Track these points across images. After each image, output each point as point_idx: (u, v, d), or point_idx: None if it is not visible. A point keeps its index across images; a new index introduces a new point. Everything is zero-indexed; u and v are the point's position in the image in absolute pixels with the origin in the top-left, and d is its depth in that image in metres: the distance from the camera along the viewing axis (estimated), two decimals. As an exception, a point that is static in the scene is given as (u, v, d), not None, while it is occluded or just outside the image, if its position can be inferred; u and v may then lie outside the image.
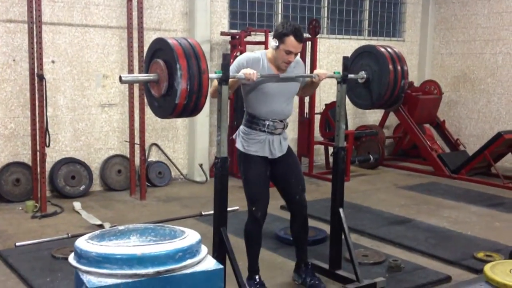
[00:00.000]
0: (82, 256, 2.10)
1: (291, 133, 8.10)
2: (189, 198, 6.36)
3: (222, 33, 7.15)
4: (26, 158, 6.05)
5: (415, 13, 9.50)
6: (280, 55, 3.48)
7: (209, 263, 2.24)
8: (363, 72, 3.82)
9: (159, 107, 3.00)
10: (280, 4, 7.96)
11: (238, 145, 3.68)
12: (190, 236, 2.28)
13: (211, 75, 3.12)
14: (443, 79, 9.27)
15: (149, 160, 6.92)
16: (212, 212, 5.44)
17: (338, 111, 3.86)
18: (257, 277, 3.75)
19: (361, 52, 3.91)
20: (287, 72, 3.61)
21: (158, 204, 6.10)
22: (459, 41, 9.20)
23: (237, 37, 7.10)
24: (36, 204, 5.66)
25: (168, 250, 2.11)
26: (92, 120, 6.54)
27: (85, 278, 2.04)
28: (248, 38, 7.20)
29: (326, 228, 4.57)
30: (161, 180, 6.92)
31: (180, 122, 7.17)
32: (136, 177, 6.40)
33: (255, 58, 3.55)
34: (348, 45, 8.70)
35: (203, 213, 5.51)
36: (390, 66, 3.69)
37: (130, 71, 6.21)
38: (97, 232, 2.34)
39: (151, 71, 2.96)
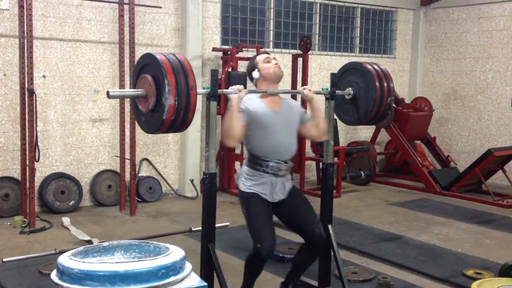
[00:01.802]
0: (64, 273, 2.08)
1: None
2: (179, 214, 6.33)
3: (214, 49, 7.18)
4: (16, 173, 6.02)
5: (405, 30, 9.59)
6: (266, 70, 3.50)
7: (193, 280, 2.22)
8: (350, 88, 3.83)
9: (146, 122, 2.98)
10: (272, 21, 8.02)
11: (240, 185, 3.56)
12: (174, 253, 2.26)
13: (200, 91, 3.11)
14: (433, 96, 9.34)
15: (139, 175, 6.90)
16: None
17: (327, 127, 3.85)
18: None
19: (348, 69, 3.94)
20: (284, 111, 3.54)
21: (147, 220, 6.07)
22: (450, 58, 9.28)
23: (229, 53, 7.13)
24: (25, 220, 5.62)
25: (151, 267, 2.09)
26: (83, 135, 6.52)
27: (66, 296, 2.02)
28: (240, 54, 7.24)
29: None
30: (152, 195, 6.89)
31: (172, 137, 7.16)
32: (126, 192, 6.37)
33: (248, 98, 3.48)
34: (340, 61, 8.72)
35: (193, 229, 5.48)
36: (377, 83, 3.71)
37: (122, 86, 6.22)
38: (81, 248, 2.32)
39: (139, 86, 2.95)
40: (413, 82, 9.69)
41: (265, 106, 3.49)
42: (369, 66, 3.81)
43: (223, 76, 6.95)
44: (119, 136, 6.31)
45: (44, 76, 6.20)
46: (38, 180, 6.17)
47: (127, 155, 6.28)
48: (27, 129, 5.59)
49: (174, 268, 2.16)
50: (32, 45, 5.51)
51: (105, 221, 5.99)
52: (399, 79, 9.51)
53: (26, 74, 5.53)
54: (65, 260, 2.15)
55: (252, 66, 3.57)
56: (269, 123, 3.45)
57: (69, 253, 2.24)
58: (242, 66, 7.37)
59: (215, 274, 3.36)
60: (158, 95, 2.80)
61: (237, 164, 7.26)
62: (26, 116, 5.59)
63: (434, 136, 8.93)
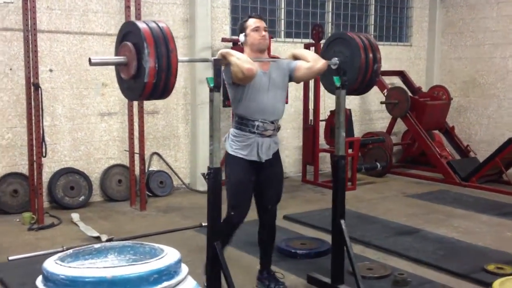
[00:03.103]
0: (48, 279, 1.94)
1: (296, 140, 7.95)
2: (190, 209, 6.20)
3: (224, 40, 7.01)
4: (24, 169, 5.93)
5: (422, 17, 9.32)
6: (252, 38, 3.53)
7: (188, 285, 2.07)
8: (335, 58, 3.71)
9: (129, 89, 2.97)
10: (283, 10, 7.82)
11: (227, 146, 3.64)
12: (168, 256, 2.11)
13: (182, 58, 3.07)
14: (451, 84, 9.05)
15: (150, 169, 6.78)
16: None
17: (337, 117, 3.69)
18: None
19: (333, 40, 3.86)
20: (271, 72, 3.57)
21: (158, 215, 5.95)
22: (468, 45, 9.00)
23: (239, 43, 6.93)
24: (33, 216, 5.53)
25: (142, 272, 1.94)
26: (92, 129, 6.41)
27: (51, 303, 1.88)
28: (251, 44, 7.05)
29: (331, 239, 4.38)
30: (163, 189, 6.76)
31: (182, 130, 7.03)
32: (136, 187, 6.26)
33: None
34: (354, 50, 8.52)
35: (203, 224, 5.33)
36: (361, 51, 3.63)
37: (129, 79, 6.06)
38: (70, 251, 2.18)
39: (120, 54, 2.93)
40: (430, 70, 9.42)
41: (256, 67, 3.46)
42: (353, 35, 3.73)
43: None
44: (128, 130, 6.19)
45: (51, 70, 6.09)
46: (47, 176, 6.08)
47: (137, 149, 6.15)
48: (33, 124, 5.49)
49: (167, 273, 2.01)
50: (37, 38, 5.38)
51: (115, 216, 5.88)
52: (416, 67, 9.26)
53: (31, 68, 5.42)
54: (50, 264, 2.01)
55: (241, 28, 3.61)
56: (257, 84, 3.48)
57: (57, 256, 2.10)
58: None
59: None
60: (138, 60, 2.78)
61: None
62: (33, 111, 5.49)
63: (452, 125, 8.67)
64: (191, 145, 7.07)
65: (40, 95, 5.41)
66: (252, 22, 3.56)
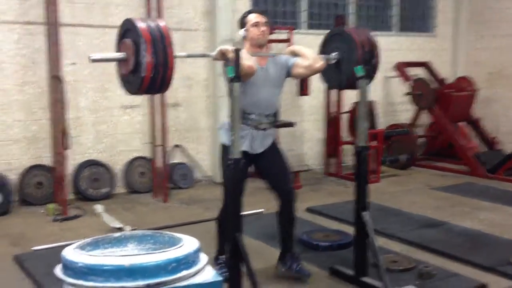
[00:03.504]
0: (67, 267, 1.93)
1: (318, 133, 7.89)
2: (212, 201, 6.18)
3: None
4: (49, 161, 5.99)
5: (446, 7, 9.14)
6: (252, 33, 3.62)
7: (207, 275, 2.05)
8: (334, 53, 3.77)
9: (128, 83, 3.06)
10: (305, 1, 7.74)
11: (222, 137, 3.72)
12: (187, 245, 2.09)
13: (179, 54, 3.13)
14: (477, 76, 8.83)
15: (172, 162, 6.79)
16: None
17: (360, 108, 3.64)
18: (222, 257, 3.79)
19: (331, 36, 3.90)
20: (268, 68, 3.66)
21: (180, 207, 5.96)
22: (494, 35, 8.80)
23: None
24: (58, 207, 5.58)
25: (160, 260, 1.93)
26: (114, 122, 6.45)
27: (69, 291, 1.88)
28: (272, 36, 6.99)
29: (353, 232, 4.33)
30: (185, 182, 6.78)
31: (204, 122, 7.03)
32: (159, 179, 6.28)
33: (243, 52, 3.44)
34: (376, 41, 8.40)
35: (224, 216, 5.33)
36: (358, 45, 3.66)
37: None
38: (89, 239, 2.18)
39: (121, 51, 3.04)
40: (455, 61, 9.25)
41: (255, 62, 3.55)
42: (351, 31, 3.80)
43: (255, 58, 6.73)
44: (150, 122, 6.21)
45: (73, 63, 6.13)
46: (71, 168, 6.14)
47: (159, 142, 6.17)
48: (58, 117, 5.54)
49: (186, 262, 1.99)
50: (58, 32, 5.41)
51: (138, 208, 5.91)
52: (440, 58, 9.10)
53: (54, 62, 5.46)
54: (69, 252, 2.01)
55: (242, 23, 3.69)
56: (254, 78, 3.53)
57: (77, 244, 2.10)
58: (273, 49, 7.15)
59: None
60: (136, 55, 2.88)
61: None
62: (56, 104, 5.53)
63: (478, 117, 8.51)
64: (213, 137, 7.05)
65: (63, 88, 5.44)
66: (252, 17, 3.64)
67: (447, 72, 9.10)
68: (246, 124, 3.63)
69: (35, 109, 5.96)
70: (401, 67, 8.31)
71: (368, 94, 3.67)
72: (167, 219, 5.40)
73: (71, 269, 1.92)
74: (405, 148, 7.81)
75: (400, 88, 8.46)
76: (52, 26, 5.42)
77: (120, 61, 3.05)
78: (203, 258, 2.16)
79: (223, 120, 3.90)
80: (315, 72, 3.71)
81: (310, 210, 5.70)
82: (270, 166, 3.81)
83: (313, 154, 7.97)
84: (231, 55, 3.19)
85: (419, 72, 8.68)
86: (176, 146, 6.89)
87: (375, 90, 8.42)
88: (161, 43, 2.87)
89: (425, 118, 8.53)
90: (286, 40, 6.97)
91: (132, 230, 4.96)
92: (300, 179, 6.85)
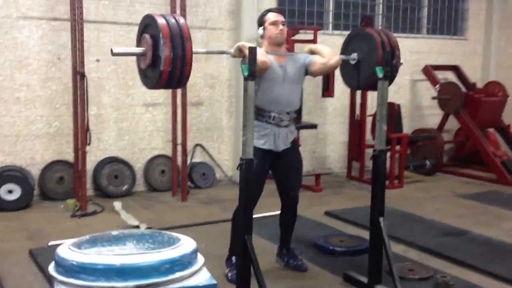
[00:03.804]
0: (59, 264, 1.91)
1: (342, 136, 7.78)
2: (231, 201, 6.10)
3: (270, 31, 6.90)
4: (70, 157, 6.03)
5: (478, 9, 8.92)
6: (270, 32, 3.65)
7: (202, 277, 2.00)
8: (354, 54, 3.76)
9: (147, 78, 3.06)
10: (331, 1, 7.64)
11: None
12: (183, 245, 2.04)
13: (199, 50, 3.29)
14: (509, 81, 8.60)
15: (193, 161, 6.78)
16: (253, 216, 5.27)
17: (379, 110, 3.55)
18: (234, 258, 3.82)
19: (352, 36, 3.88)
20: (287, 65, 3.70)
21: (199, 206, 5.93)
22: (528, 40, 8.55)
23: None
24: (77, 203, 5.61)
25: (153, 261, 1.88)
26: (136, 119, 6.46)
27: (58, 289, 1.84)
28: (297, 37, 6.94)
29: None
30: (205, 181, 6.75)
31: (226, 122, 6.99)
32: (178, 178, 6.26)
33: (260, 50, 3.49)
34: (405, 43, 8.20)
35: (242, 217, 5.27)
36: (379, 46, 3.62)
37: (174, 69, 6.06)
38: (87, 237, 2.14)
39: (141, 46, 3.04)
40: (486, 66, 9.01)
41: (273, 59, 3.64)
42: (372, 31, 3.75)
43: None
44: (171, 121, 6.20)
45: (98, 60, 6.16)
46: (92, 164, 6.17)
47: (180, 140, 6.15)
48: (79, 113, 5.57)
49: (180, 263, 1.94)
50: (83, 28, 5.45)
51: (157, 206, 5.90)
52: (471, 62, 8.88)
53: (77, 58, 5.49)
54: (63, 250, 1.98)
55: (260, 22, 3.72)
56: (272, 76, 3.60)
57: (73, 241, 2.07)
58: (299, 49, 7.07)
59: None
60: (154, 50, 2.87)
61: (293, 151, 6.98)
62: (78, 100, 5.57)
63: (509, 123, 8.26)
64: (235, 137, 7.01)
65: (85, 84, 5.48)
66: (270, 16, 3.68)
67: (478, 76, 8.88)
68: (267, 123, 3.69)
69: (58, 105, 6.01)
70: (430, 70, 8.13)
71: (387, 95, 3.56)
72: (184, 219, 5.37)
73: (63, 266, 1.89)
74: (430, 154, 7.63)
75: (428, 92, 8.29)
76: (77, 22, 5.44)
77: (140, 56, 3.07)
78: (200, 259, 2.11)
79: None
80: (331, 68, 3.77)
81: (328, 213, 5.61)
82: (286, 170, 3.87)
83: (336, 157, 7.86)
84: (247, 50, 3.16)
85: (448, 76, 8.48)
86: (198, 145, 6.88)
87: (402, 93, 8.28)
88: (179, 38, 2.87)
89: (453, 124, 8.33)
90: (311, 41, 6.87)
91: (148, 228, 4.95)
92: (321, 182, 6.76)
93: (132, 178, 6.35)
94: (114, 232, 2.28)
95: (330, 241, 4.57)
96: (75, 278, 1.86)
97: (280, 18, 3.68)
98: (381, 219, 3.58)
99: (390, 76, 3.62)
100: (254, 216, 5.09)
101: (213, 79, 6.86)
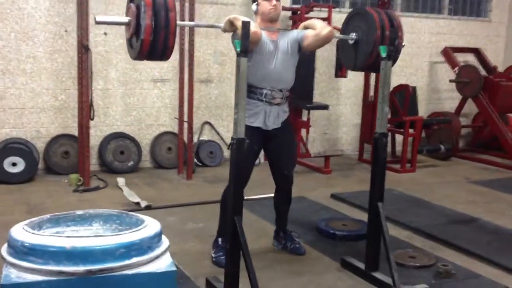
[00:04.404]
0: (10, 245, 1.81)
1: (355, 117, 7.60)
2: (237, 181, 6.04)
3: (283, 8, 6.70)
4: (76, 131, 5.96)
5: (504, -10, 8.58)
6: (263, 7, 3.55)
7: (162, 264, 1.88)
8: (353, 33, 3.62)
9: (131, 47, 3.00)
10: (349, -22, 7.41)
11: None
12: (145, 229, 1.93)
13: (183, 23, 3.44)
14: (532, 65, 8.30)
15: (201, 139, 6.68)
16: (254, 197, 5.18)
17: (381, 91, 3.38)
18: (220, 239, 3.78)
19: (353, 15, 3.73)
20: (279, 40, 3.59)
21: (203, 185, 5.84)
22: (554, 22, 8.20)
23: (298, 12, 6.65)
24: (80, 178, 5.57)
25: (107, 244, 1.77)
26: (144, 95, 6.37)
27: (6, 271, 1.74)
28: (311, 14, 6.74)
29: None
30: (212, 160, 6.65)
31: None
32: (185, 156, 6.17)
33: (252, 25, 3.35)
34: (425, 24, 7.99)
35: (245, 198, 5.16)
36: (378, 25, 3.46)
37: (181, 44, 5.94)
38: (48, 216, 2.05)
39: (127, 15, 2.98)
40: (509, 49, 8.69)
41: (265, 35, 3.53)
42: (372, 10, 3.55)
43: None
44: (178, 97, 6.09)
45: (105, 34, 6.06)
46: (98, 139, 6.13)
47: (187, 117, 6.05)
48: (84, 87, 5.50)
49: (138, 248, 1.83)
50: (88, 0, 5.34)
51: (160, 184, 5.83)
52: (494, 45, 8.58)
53: (83, 31, 5.40)
54: (16, 230, 1.89)
55: None
56: (264, 50, 3.50)
57: (31, 220, 1.98)
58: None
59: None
60: (137, 18, 2.82)
61: (303, 131, 6.84)
62: (82, 74, 5.49)
63: (529, 109, 7.98)
64: (244, 116, 6.88)
65: (89, 57, 5.39)
66: None
67: (500, 60, 8.59)
68: (258, 100, 3.60)
69: (64, 78, 5.94)
70: (449, 52, 7.86)
71: (389, 75, 3.39)
72: (187, 197, 5.29)
73: (13, 247, 1.80)
74: (446, 138, 7.41)
75: (447, 75, 8.04)
76: (82, -6, 5.34)
77: (126, 26, 3.00)
78: (163, 244, 2.00)
79: None
80: (324, 40, 3.60)
81: (334, 196, 5.47)
82: (279, 150, 3.78)
83: (349, 139, 7.69)
84: (239, 23, 3.03)
85: (469, 58, 8.20)
86: (206, 123, 6.77)
87: (419, 76, 8.05)
88: (163, 8, 2.81)
89: (472, 108, 8.07)
90: (326, 19, 6.66)
91: (147, 205, 4.89)
92: (332, 164, 6.61)
93: (138, 155, 6.28)
94: (79, 212, 2.18)
95: (332, 225, 4.44)
96: (24, 260, 1.76)
97: None
98: (380, 204, 3.44)
99: (393, 57, 3.45)
100: (255, 196, 5.14)
101: (223, 56, 6.71)
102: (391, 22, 3.50)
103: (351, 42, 3.63)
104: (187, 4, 5.90)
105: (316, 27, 3.59)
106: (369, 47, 3.49)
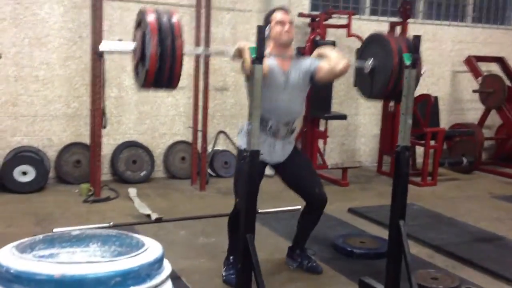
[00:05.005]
0: (-6, 271, 1.66)
1: (374, 128, 7.39)
2: (251, 192, 5.87)
3: (300, 15, 6.56)
4: (88, 139, 5.86)
5: (530, -2, 8.32)
6: (275, 31, 3.37)
7: (161, 293, 1.71)
8: (370, 60, 3.37)
9: (137, 76, 2.86)
10: (369, -15, 7.23)
11: (239, 140, 3.54)
12: (145, 253, 1.75)
13: (191, 49, 3.10)
14: (559, 75, 8.02)
15: (215, 148, 6.52)
16: (269, 210, 5.01)
17: (404, 101, 3.17)
18: (232, 257, 3.62)
19: (369, 41, 3.52)
20: (290, 72, 3.42)
21: (216, 196, 5.67)
22: None
23: (317, 19, 6.49)
24: (91, 188, 5.44)
25: (102, 272, 1.60)
26: (158, 103, 6.24)
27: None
28: (330, 21, 6.57)
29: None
30: (227, 170, 6.49)
31: (251, 109, 6.69)
32: (198, 166, 6.02)
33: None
34: (447, 32, 7.77)
35: (259, 211, 4.98)
36: (395, 52, 3.22)
37: (196, 52, 5.81)
38: (40, 237, 1.89)
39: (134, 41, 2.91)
40: (535, 58, 8.41)
41: (276, 65, 3.37)
42: (390, 38, 3.41)
43: (308, 44, 6.33)
44: (193, 106, 5.95)
45: (120, 40, 5.92)
46: (110, 148, 6.01)
47: (201, 126, 5.90)
48: (95, 95, 5.38)
49: (136, 276, 1.66)
50: (102, 5, 5.24)
51: (173, 194, 5.68)
52: (517, 54, 8.31)
53: (96, 37, 5.29)
54: (2, 253, 1.73)
55: (266, 21, 3.44)
56: (273, 83, 3.34)
57: (20, 242, 1.82)
58: (332, 35, 6.71)
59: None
60: (143, 46, 2.70)
61: (320, 142, 6.64)
62: (95, 81, 5.37)
63: (556, 121, 7.69)
64: (260, 125, 6.72)
65: (102, 64, 5.27)
66: (277, 15, 3.41)
67: (525, 70, 8.29)
68: (262, 131, 3.35)
69: (78, 85, 5.84)
70: (472, 61, 7.63)
71: (413, 85, 3.18)
72: (200, 209, 5.13)
73: (-1, 273, 1.65)
74: (468, 150, 7.16)
75: (470, 85, 7.79)
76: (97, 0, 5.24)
77: (132, 53, 2.89)
78: (165, 271, 1.82)
79: (242, 123, 3.65)
80: (339, 74, 3.38)
81: (352, 211, 5.27)
82: (295, 171, 3.59)
83: (367, 151, 7.48)
84: (246, 55, 2.85)
85: (493, 68, 7.95)
86: (221, 132, 6.62)
87: (441, 86, 7.83)
88: (169, 36, 2.67)
89: (495, 119, 7.81)
90: (345, 26, 6.49)
91: (158, 218, 4.74)
92: (349, 176, 6.41)
93: (151, 164, 6.14)
94: (75, 232, 2.02)
95: (349, 241, 4.24)
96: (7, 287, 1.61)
97: (287, 17, 3.40)
98: (401, 222, 3.23)
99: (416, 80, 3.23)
100: (270, 210, 4.95)
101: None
102: (409, 49, 3.28)
103: (366, 71, 3.39)
104: (203, 11, 5.79)
105: (331, 59, 3.34)
106: (386, 75, 3.27)
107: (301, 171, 3.59)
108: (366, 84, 3.47)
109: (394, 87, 3.26)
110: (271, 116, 3.39)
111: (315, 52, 3.49)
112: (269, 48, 3.39)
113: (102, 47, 2.83)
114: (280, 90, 3.38)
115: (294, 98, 3.46)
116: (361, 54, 3.53)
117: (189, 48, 2.89)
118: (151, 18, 2.65)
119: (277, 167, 3.61)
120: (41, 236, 1.94)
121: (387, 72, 3.27)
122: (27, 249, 1.82)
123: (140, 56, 2.71)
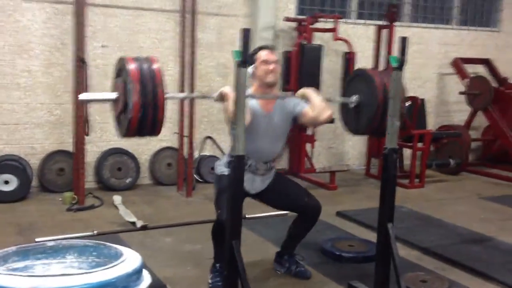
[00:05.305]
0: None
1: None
2: (239, 198, 5.81)
3: (287, 19, 6.53)
4: (72, 147, 5.76)
5: (513, 0, 8.36)
6: (260, 70, 3.33)
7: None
8: (355, 96, 3.38)
9: (119, 124, 2.89)
10: (355, -12, 7.21)
11: (223, 167, 3.46)
12: (123, 264, 1.69)
13: (173, 94, 3.22)
14: (544, 76, 8.05)
15: (202, 154, 6.46)
16: (256, 215, 4.95)
17: (392, 104, 3.14)
18: (218, 265, 3.52)
19: (354, 76, 3.57)
20: (273, 115, 3.40)
21: (203, 203, 5.60)
22: None
23: (304, 23, 6.46)
24: (75, 196, 5.35)
25: (76, 286, 1.53)
26: (143, 109, 6.16)
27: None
28: (317, 25, 6.55)
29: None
30: (214, 176, 6.41)
31: (238, 114, 6.64)
32: (185, 172, 5.95)
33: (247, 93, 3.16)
34: (433, 34, 7.78)
35: (246, 216, 4.94)
36: (379, 88, 3.26)
37: (181, 57, 5.75)
38: (13, 248, 1.82)
39: (115, 90, 2.91)
40: (520, 60, 8.46)
41: (258, 107, 3.35)
42: (374, 73, 3.42)
43: (295, 49, 6.30)
44: (179, 112, 5.89)
45: (103, 46, 5.88)
46: (95, 155, 5.92)
47: (187, 132, 5.84)
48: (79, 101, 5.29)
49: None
50: (83, 11, 5.17)
51: (159, 201, 5.60)
52: (504, 56, 8.33)
53: (79, 43, 5.21)
54: None
55: (251, 60, 3.32)
56: (255, 127, 3.28)
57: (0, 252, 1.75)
58: (318, 38, 6.68)
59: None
60: (125, 96, 2.74)
61: (308, 146, 6.60)
62: (77, 87, 5.29)
63: (542, 122, 7.71)
64: (247, 130, 6.66)
65: (85, 70, 5.20)
66: (262, 54, 3.37)
67: (510, 71, 8.31)
68: None
69: (60, 92, 5.75)
70: (459, 63, 7.64)
71: (400, 87, 3.16)
72: (186, 216, 5.06)
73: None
74: (455, 152, 7.16)
75: (456, 87, 7.79)
76: (79, 5, 5.17)
77: (114, 102, 2.92)
78: (142, 283, 1.75)
79: (223, 156, 3.83)
80: (321, 123, 3.42)
81: (340, 214, 5.23)
82: (281, 190, 3.59)
83: (355, 154, 7.45)
84: (229, 103, 2.91)
85: (479, 70, 7.97)
86: (208, 137, 6.55)
87: (428, 88, 7.83)
88: (150, 84, 2.72)
89: (482, 121, 7.82)
90: (332, 30, 6.48)
91: (143, 226, 4.66)
92: (337, 179, 6.37)
93: (137, 171, 6.06)
94: (51, 243, 1.95)
95: (338, 245, 4.20)
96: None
97: (272, 56, 3.36)
98: (390, 225, 3.20)
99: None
100: (258, 215, 4.90)
101: (226, 68, 6.50)
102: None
103: (351, 106, 3.39)
104: (188, 16, 5.74)
105: (315, 107, 3.28)
106: (371, 112, 3.28)
107: (286, 189, 3.59)
108: (352, 120, 3.49)
109: (379, 123, 3.28)
110: (251, 156, 3.35)
111: (300, 92, 3.44)
112: (252, 88, 3.37)
113: (82, 97, 2.91)
114: (261, 133, 3.35)
115: (276, 140, 3.46)
116: (346, 89, 3.54)
117: (171, 95, 2.98)
118: (132, 67, 2.67)
119: (260, 195, 3.58)
120: (14, 248, 1.86)
121: (372, 109, 3.28)
122: None
123: (123, 105, 2.73)
